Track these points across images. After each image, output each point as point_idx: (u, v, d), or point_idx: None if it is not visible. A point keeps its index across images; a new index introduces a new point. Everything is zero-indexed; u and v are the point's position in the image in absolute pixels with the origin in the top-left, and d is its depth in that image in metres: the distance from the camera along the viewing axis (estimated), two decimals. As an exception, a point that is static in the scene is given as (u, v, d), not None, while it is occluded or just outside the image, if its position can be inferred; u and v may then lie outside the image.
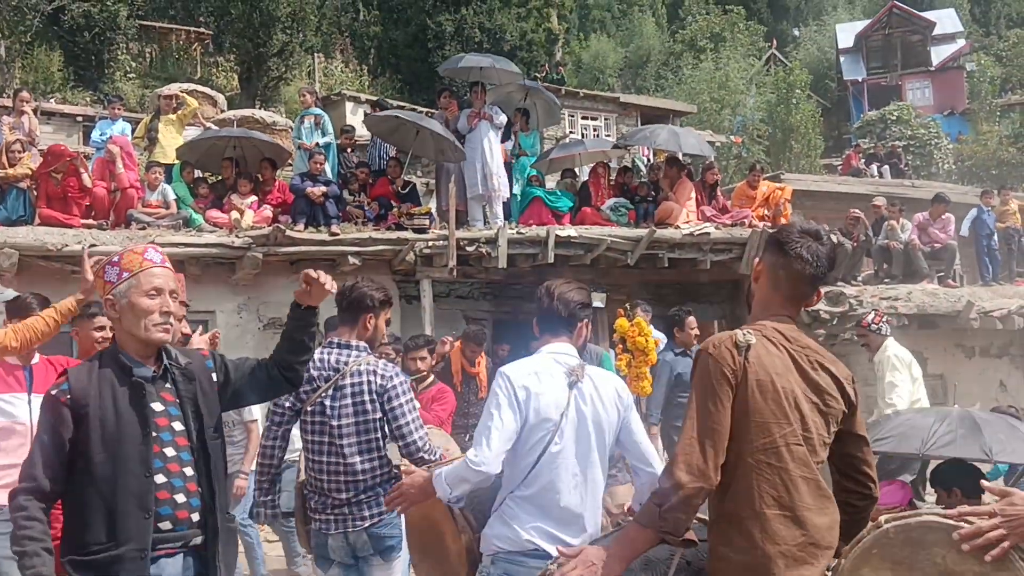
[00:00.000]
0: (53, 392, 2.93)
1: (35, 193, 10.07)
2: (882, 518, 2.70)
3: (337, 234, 10.62)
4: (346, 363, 4.13)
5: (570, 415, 3.26)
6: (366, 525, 4.07)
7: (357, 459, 4.06)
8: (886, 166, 23.16)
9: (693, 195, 12.29)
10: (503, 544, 3.22)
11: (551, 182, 13.47)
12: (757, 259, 2.90)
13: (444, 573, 3.57)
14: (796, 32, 45.49)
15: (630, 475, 5.98)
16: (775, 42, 40.06)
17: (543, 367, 3.33)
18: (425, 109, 15.21)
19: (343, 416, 4.07)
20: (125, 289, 3.00)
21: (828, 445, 2.73)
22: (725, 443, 2.59)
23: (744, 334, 2.70)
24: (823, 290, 11.19)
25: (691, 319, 7.86)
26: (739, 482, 2.62)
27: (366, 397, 4.07)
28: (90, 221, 10.08)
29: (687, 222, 11.95)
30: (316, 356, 4.14)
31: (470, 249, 10.98)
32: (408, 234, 10.88)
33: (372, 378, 4.10)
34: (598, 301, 8.89)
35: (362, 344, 4.22)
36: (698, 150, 13.29)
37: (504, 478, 3.30)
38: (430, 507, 3.40)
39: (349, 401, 4.08)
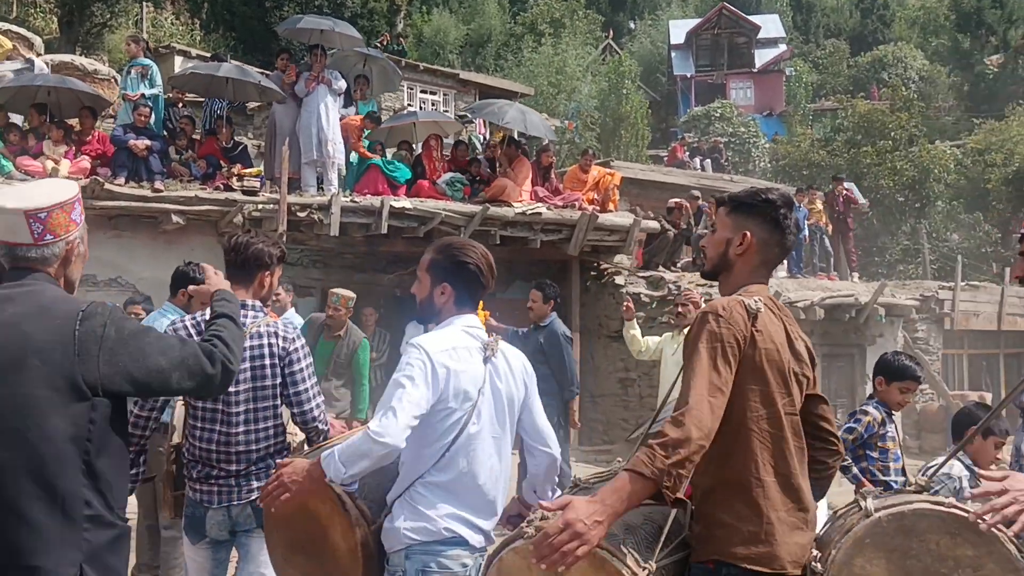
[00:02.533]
0: None
1: None
2: (871, 505, 2.68)
3: (160, 191, 10.18)
4: (244, 325, 3.74)
5: (486, 392, 3.06)
6: (252, 498, 3.70)
7: (251, 427, 3.76)
8: (708, 160, 24.34)
9: (530, 175, 12.50)
10: (418, 536, 2.95)
11: (388, 154, 13.36)
12: (747, 233, 2.76)
13: (327, 574, 3.09)
14: (632, 25, 46.84)
15: None
16: (611, 33, 41.15)
17: (460, 342, 3.07)
18: (260, 70, 14.69)
19: (240, 382, 3.72)
20: (82, 233, 2.60)
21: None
22: (724, 406, 2.51)
23: (754, 300, 2.64)
24: (645, 274, 11.51)
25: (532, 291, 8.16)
26: (740, 449, 2.57)
27: (267, 361, 3.76)
28: None
29: (520, 200, 12.14)
30: (206, 318, 3.85)
31: (301, 215, 10.75)
32: (237, 195, 10.55)
33: (274, 340, 3.79)
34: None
35: (258, 304, 3.88)
36: (542, 133, 13.50)
37: (408, 463, 3.03)
38: (311, 497, 3.00)
39: (247, 365, 3.73)
